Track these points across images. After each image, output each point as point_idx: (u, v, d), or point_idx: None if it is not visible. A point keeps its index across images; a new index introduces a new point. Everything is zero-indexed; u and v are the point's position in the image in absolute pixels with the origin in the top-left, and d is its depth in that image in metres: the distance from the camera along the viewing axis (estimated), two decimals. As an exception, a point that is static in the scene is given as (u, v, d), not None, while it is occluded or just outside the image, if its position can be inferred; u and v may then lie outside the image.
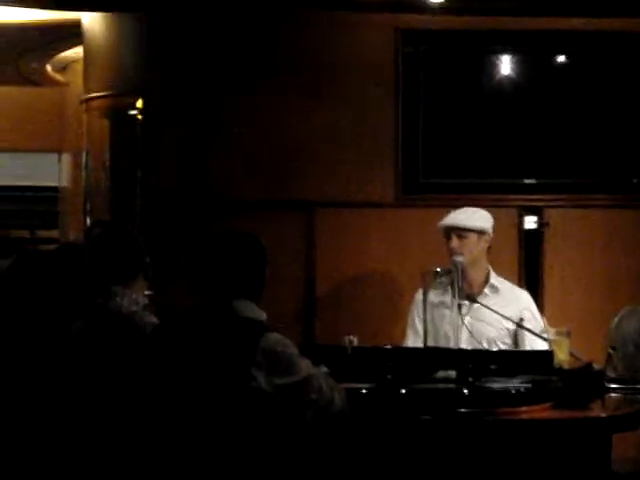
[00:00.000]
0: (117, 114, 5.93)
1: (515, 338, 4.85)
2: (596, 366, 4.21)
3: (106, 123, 6.09)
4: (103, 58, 6.02)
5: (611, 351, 4.24)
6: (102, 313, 3.75)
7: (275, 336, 3.35)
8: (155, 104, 5.66)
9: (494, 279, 4.94)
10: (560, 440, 3.76)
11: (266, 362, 3.29)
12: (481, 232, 4.87)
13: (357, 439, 3.67)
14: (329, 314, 5.56)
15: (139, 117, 5.71)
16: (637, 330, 4.34)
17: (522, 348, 4.79)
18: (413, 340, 4.89)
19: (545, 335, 4.51)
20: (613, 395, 4.11)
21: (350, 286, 5.60)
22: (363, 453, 3.69)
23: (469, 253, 4.83)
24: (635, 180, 5.67)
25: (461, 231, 4.85)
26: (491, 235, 4.92)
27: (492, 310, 4.73)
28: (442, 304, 4.84)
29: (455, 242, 4.83)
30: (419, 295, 4.87)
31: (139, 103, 5.71)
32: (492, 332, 4.83)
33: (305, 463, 3.48)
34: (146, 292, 3.91)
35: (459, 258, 4.76)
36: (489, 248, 4.93)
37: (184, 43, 5.67)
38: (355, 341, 4.37)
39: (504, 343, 4.83)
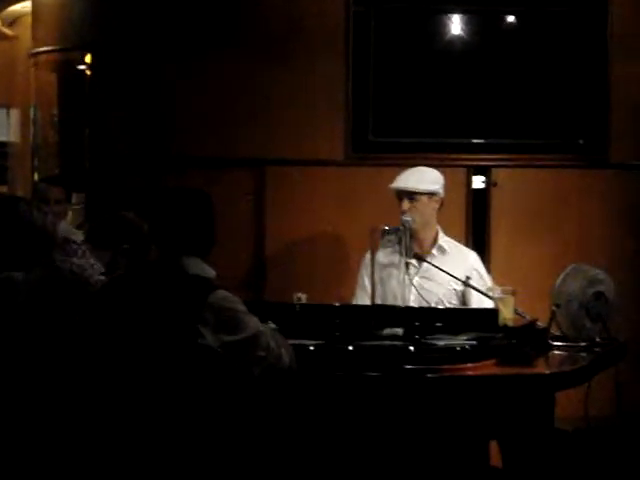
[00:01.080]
0: (65, 69, 5.86)
1: (462, 298, 4.90)
2: (540, 324, 4.28)
3: (54, 78, 6.02)
4: (52, 12, 5.94)
5: (555, 309, 4.28)
6: (53, 268, 3.72)
7: (223, 293, 3.36)
8: (104, 59, 5.60)
9: (442, 240, 4.97)
10: (504, 396, 3.80)
11: (214, 319, 3.30)
12: (431, 194, 4.90)
13: (305, 395, 3.70)
14: (279, 272, 5.58)
15: (88, 72, 5.66)
16: (582, 288, 4.39)
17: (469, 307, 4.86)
18: (362, 300, 4.92)
19: (491, 293, 4.56)
20: (557, 352, 4.16)
21: (300, 244, 5.61)
22: (310, 409, 3.72)
23: (420, 215, 4.87)
24: (581, 141, 5.70)
25: (411, 194, 4.87)
26: (442, 196, 4.95)
27: (441, 270, 4.77)
28: (391, 264, 4.87)
29: (406, 205, 4.86)
30: (368, 255, 4.91)
31: (88, 58, 5.65)
32: (440, 292, 4.87)
33: (252, 419, 3.51)
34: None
35: (408, 217, 4.78)
36: (440, 208, 4.97)
37: (134, -2, 5.64)
38: (304, 299, 4.40)
39: (451, 303, 4.88)
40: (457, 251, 4.99)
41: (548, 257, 5.58)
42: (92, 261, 3.76)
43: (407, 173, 4.93)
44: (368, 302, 4.79)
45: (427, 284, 4.87)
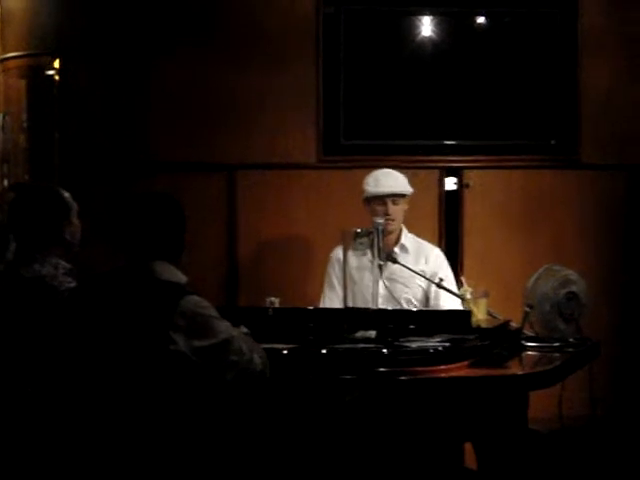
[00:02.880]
0: (34, 74, 5.83)
1: (425, 293, 4.93)
2: (514, 325, 4.28)
3: (23, 83, 5.99)
4: (20, 17, 5.91)
5: (528, 309, 4.28)
6: (16, 277, 3.67)
7: (194, 298, 3.33)
8: (73, 64, 5.57)
9: (405, 239, 5.01)
10: (478, 398, 3.80)
11: (185, 325, 3.28)
12: (408, 194, 4.96)
13: (278, 399, 3.68)
14: (251, 276, 5.56)
15: (57, 77, 5.62)
16: (554, 289, 4.39)
17: (433, 303, 4.87)
18: (331, 300, 4.92)
19: (457, 291, 4.58)
20: (530, 353, 4.16)
21: (272, 248, 5.60)
22: (284, 413, 3.70)
23: (401, 216, 4.95)
24: (553, 141, 5.72)
25: (397, 197, 4.91)
26: None
27: (408, 268, 4.77)
28: (361, 267, 4.87)
29: (392, 208, 4.90)
30: (335, 254, 4.93)
31: (56, 63, 5.62)
32: (407, 291, 4.90)
33: (225, 424, 3.49)
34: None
35: (380, 219, 4.79)
36: None
37: (103, 2, 5.59)
38: (277, 302, 4.38)
39: (418, 301, 4.90)
40: (419, 248, 5.03)
41: (521, 258, 5.59)
42: (55, 262, 3.70)
43: (383, 177, 4.95)
44: (335, 301, 4.81)
45: (395, 284, 4.87)
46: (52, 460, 3.44)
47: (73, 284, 3.63)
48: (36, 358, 3.51)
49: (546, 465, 4.56)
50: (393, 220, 4.91)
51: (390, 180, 4.94)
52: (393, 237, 4.98)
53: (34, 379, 3.51)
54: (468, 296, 4.41)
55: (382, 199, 4.90)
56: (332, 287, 4.96)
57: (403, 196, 4.94)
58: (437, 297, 4.85)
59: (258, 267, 5.57)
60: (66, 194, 3.88)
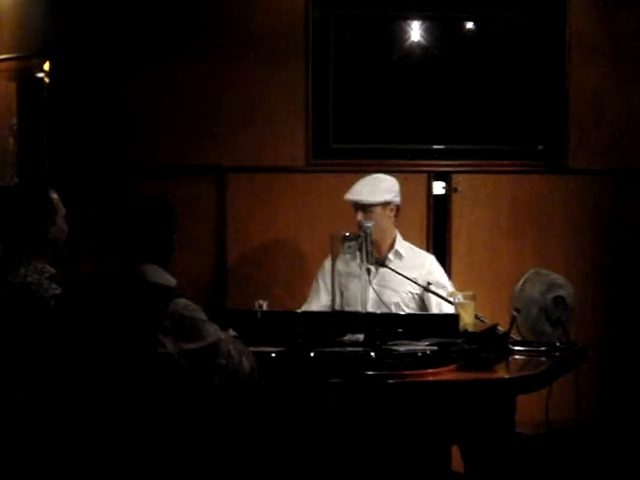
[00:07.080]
0: (24, 77, 5.82)
1: (421, 302, 4.91)
2: (501, 329, 4.29)
3: (13, 86, 5.98)
4: (10, 19, 5.89)
5: (515, 313, 4.29)
6: (3, 283, 3.65)
7: (183, 302, 3.34)
8: (63, 66, 5.55)
9: (399, 245, 4.98)
10: (465, 402, 3.81)
11: (173, 327, 3.29)
12: (385, 204, 4.90)
13: (266, 402, 3.68)
14: (240, 279, 5.55)
15: (46, 80, 5.62)
16: (541, 293, 4.41)
17: (429, 312, 4.86)
18: (316, 303, 4.92)
19: (451, 298, 4.56)
20: (517, 357, 4.17)
21: (261, 251, 5.59)
22: (272, 416, 3.71)
23: (376, 224, 4.78)
24: (540, 147, 5.74)
25: (365, 206, 4.86)
26: (397, 203, 4.94)
27: (400, 275, 4.77)
28: (350, 273, 4.85)
29: (360, 216, 4.84)
30: (327, 263, 4.90)
31: (46, 65, 5.61)
32: (397, 297, 4.88)
33: (213, 427, 3.49)
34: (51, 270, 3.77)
35: (369, 223, 4.77)
36: (397, 214, 4.97)
37: (93, 4, 5.58)
38: (265, 306, 4.38)
39: (409, 308, 4.89)
40: (413, 255, 5.00)
41: (508, 262, 5.60)
42: (40, 266, 3.68)
43: (361, 183, 4.91)
44: (320, 307, 4.81)
45: (384, 289, 4.86)
46: (42, 464, 3.44)
47: (58, 290, 3.61)
48: (26, 363, 3.51)
49: (533, 469, 4.57)
50: (369, 224, 4.78)
51: (361, 188, 4.87)
52: (387, 244, 4.97)
53: (25, 384, 3.50)
54: (456, 300, 4.42)
55: (354, 206, 4.89)
56: (317, 291, 4.95)
57: (371, 205, 4.84)
58: (440, 306, 4.77)
59: (247, 270, 5.56)
60: (53, 195, 3.85)
